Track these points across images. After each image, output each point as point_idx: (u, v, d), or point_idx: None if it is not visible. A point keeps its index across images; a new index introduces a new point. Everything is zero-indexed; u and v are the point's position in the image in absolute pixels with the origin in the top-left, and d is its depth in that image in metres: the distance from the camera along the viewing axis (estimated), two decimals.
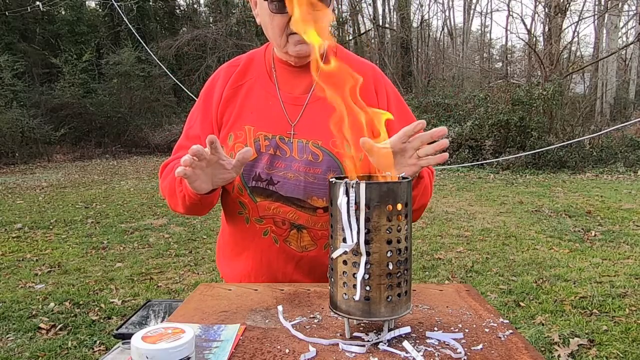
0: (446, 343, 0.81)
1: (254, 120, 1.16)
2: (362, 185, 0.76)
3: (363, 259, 0.77)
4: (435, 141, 0.95)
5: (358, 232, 0.77)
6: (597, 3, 17.86)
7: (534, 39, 16.09)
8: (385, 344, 0.80)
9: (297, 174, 1.14)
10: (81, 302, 3.46)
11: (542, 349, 2.70)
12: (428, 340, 0.82)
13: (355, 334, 0.84)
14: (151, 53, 12.58)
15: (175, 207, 1.16)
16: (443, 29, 23.54)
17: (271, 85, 1.20)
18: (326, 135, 1.14)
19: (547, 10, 14.24)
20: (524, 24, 28.16)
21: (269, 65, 1.23)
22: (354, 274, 0.78)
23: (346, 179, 0.79)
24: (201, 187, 1.02)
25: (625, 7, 16.49)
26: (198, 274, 4.12)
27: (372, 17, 19.87)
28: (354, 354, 0.77)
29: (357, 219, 0.77)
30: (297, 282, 1.19)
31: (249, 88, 1.21)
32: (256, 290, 1.08)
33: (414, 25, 19.78)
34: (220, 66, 1.30)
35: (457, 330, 0.86)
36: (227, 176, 1.03)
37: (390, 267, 0.78)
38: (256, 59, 1.25)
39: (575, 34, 17.38)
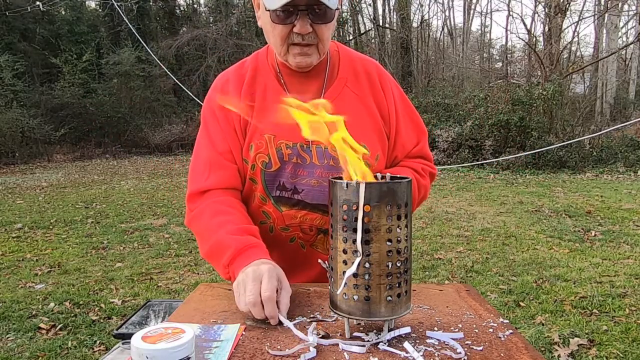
0: (446, 343, 0.81)
1: (272, 128, 1.12)
2: (362, 185, 0.76)
3: (358, 259, 0.77)
4: None
5: (356, 232, 0.77)
6: (597, 3, 17.85)
7: (534, 39, 16.07)
8: (385, 344, 0.80)
9: (321, 179, 1.13)
10: (81, 302, 3.46)
11: (542, 349, 2.70)
12: (428, 340, 0.82)
13: (355, 334, 0.84)
14: (151, 53, 12.58)
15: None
16: (443, 29, 23.56)
17: (282, 91, 1.16)
18: None
19: (547, 10, 14.24)
20: (524, 24, 28.19)
21: (274, 70, 1.18)
22: (354, 274, 0.78)
23: (345, 180, 0.79)
24: None
25: (625, 7, 16.49)
26: (198, 274, 4.12)
27: (372, 17, 19.85)
28: (354, 354, 0.77)
29: (356, 219, 0.77)
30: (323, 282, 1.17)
31: (262, 95, 1.16)
32: None
33: (414, 25, 19.77)
34: (220, 73, 1.23)
35: (457, 330, 0.86)
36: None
37: (390, 267, 0.78)
38: (260, 65, 1.20)
39: (575, 34, 17.41)
